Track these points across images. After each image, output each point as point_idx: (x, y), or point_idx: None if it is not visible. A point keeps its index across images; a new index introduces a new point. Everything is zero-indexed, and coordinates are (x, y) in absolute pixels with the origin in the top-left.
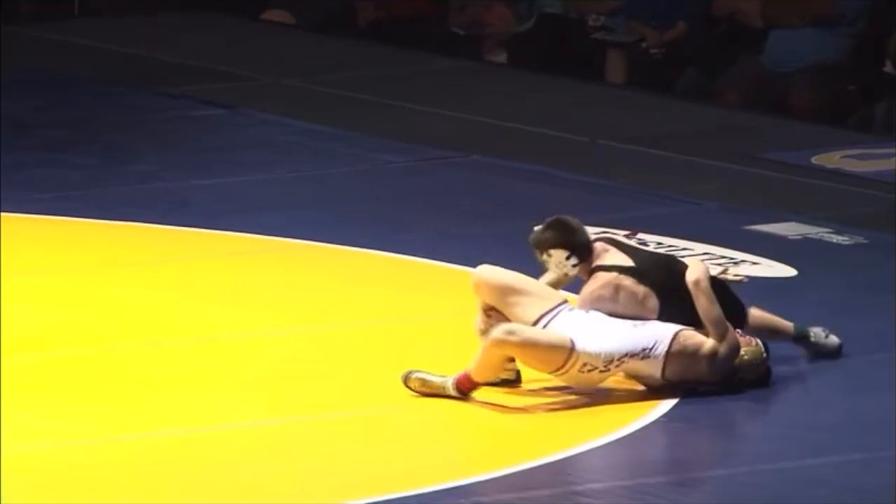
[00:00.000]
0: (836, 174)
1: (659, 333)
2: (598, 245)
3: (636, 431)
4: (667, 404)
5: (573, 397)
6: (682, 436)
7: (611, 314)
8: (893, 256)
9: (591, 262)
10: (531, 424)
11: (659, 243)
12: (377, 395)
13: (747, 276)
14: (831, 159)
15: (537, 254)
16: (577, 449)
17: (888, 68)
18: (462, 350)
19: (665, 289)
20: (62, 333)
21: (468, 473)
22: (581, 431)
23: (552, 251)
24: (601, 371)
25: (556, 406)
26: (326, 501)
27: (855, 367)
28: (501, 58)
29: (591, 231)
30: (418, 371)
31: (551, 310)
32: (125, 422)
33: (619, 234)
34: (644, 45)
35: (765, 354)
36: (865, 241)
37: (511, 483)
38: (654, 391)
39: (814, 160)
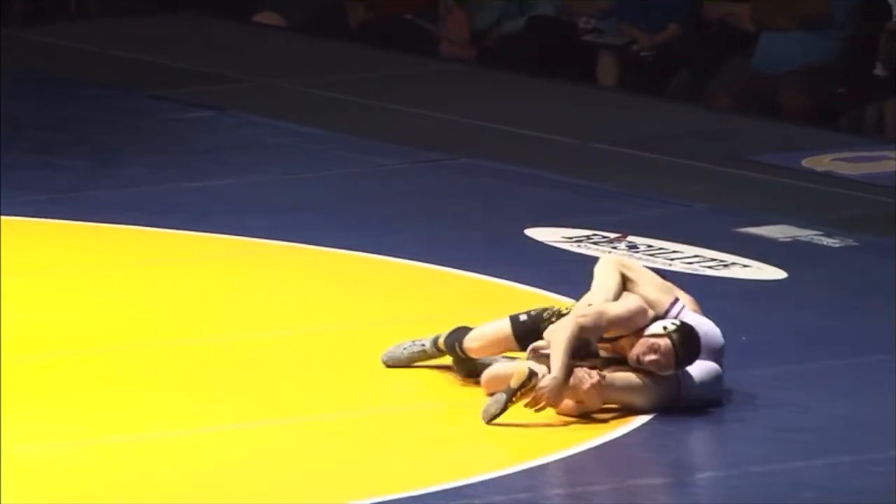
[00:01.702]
0: (827, 176)
1: None
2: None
3: (626, 434)
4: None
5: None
6: (672, 438)
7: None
8: (893, 260)
9: None
10: (522, 428)
11: (649, 246)
12: (368, 397)
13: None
14: (821, 162)
15: None
16: (568, 451)
17: (878, 70)
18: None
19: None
20: (52, 336)
21: (461, 476)
22: (572, 434)
23: None
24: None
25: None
26: (321, 502)
27: (844, 369)
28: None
29: (575, 233)
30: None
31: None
32: (115, 424)
33: (610, 236)
34: (635, 47)
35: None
36: (855, 244)
37: (503, 486)
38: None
39: (804, 162)
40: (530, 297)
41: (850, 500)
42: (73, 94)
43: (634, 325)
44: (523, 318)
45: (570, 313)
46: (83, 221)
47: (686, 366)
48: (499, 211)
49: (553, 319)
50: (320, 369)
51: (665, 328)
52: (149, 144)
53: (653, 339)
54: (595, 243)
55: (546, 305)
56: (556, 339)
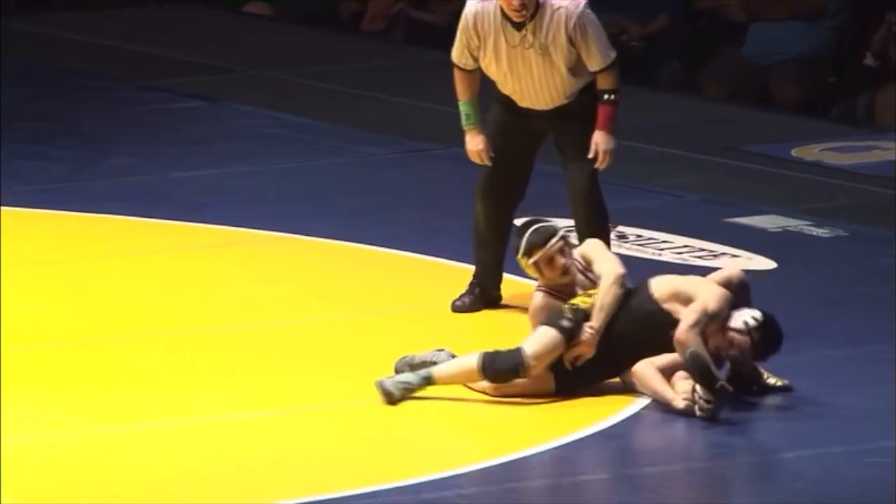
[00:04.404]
0: (817, 167)
1: None
2: None
3: (620, 423)
4: (648, 397)
5: None
6: (664, 428)
7: None
8: (886, 250)
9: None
10: (519, 416)
11: (639, 236)
12: (361, 386)
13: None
14: (811, 152)
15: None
16: (564, 440)
17: (869, 61)
18: (446, 342)
19: None
20: (44, 326)
21: (457, 464)
22: (568, 423)
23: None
24: None
25: (544, 398)
26: (312, 493)
27: (834, 360)
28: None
29: (566, 223)
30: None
31: None
32: (106, 414)
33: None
34: (625, 37)
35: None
36: (845, 234)
37: (499, 474)
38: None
39: (794, 153)
40: (523, 287)
41: (841, 490)
42: (64, 85)
43: (724, 316)
44: (566, 323)
45: (685, 323)
46: (74, 211)
47: (765, 359)
48: None
49: (582, 318)
50: (312, 360)
51: (746, 324)
52: (140, 134)
53: (733, 335)
54: None
55: (568, 305)
56: (700, 350)
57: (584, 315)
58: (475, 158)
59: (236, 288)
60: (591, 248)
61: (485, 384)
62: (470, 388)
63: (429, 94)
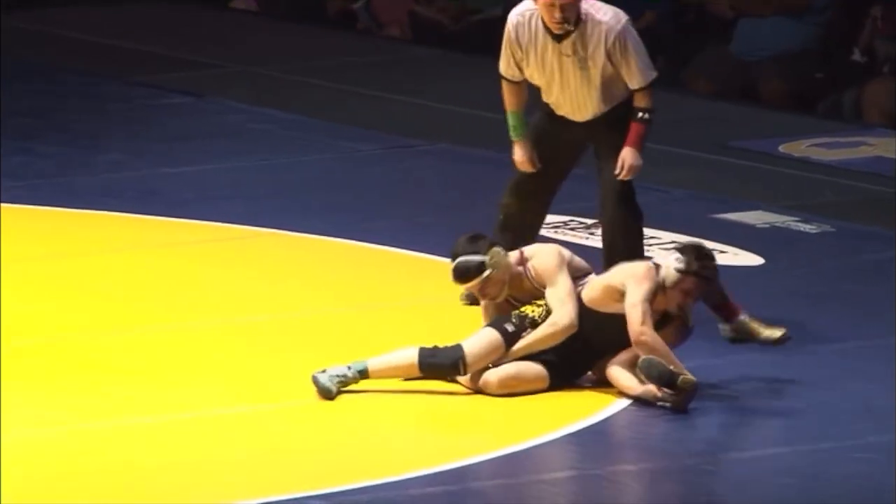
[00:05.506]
0: (804, 162)
1: None
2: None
3: (603, 420)
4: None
5: None
6: (647, 425)
7: None
8: (871, 245)
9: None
10: (498, 413)
11: None
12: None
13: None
14: (799, 147)
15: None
16: (542, 438)
17: (856, 56)
18: (430, 337)
19: None
20: (33, 322)
21: (437, 462)
22: (546, 420)
23: None
24: None
25: (537, 394)
26: (297, 489)
27: (821, 356)
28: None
29: (552, 219)
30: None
31: None
32: (97, 409)
33: (588, 222)
34: None
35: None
36: (832, 230)
37: (489, 470)
38: None
39: (781, 148)
40: None
41: (830, 487)
42: (52, 81)
43: (659, 284)
44: (510, 328)
45: (634, 323)
46: (61, 208)
47: (716, 279)
48: (477, 197)
49: (528, 326)
50: (301, 354)
51: (679, 270)
52: (127, 131)
53: (681, 287)
54: (572, 229)
55: (516, 312)
56: (661, 350)
57: (531, 322)
58: (524, 168)
59: (224, 284)
60: (546, 268)
61: (487, 381)
62: (461, 383)
63: (417, 89)
